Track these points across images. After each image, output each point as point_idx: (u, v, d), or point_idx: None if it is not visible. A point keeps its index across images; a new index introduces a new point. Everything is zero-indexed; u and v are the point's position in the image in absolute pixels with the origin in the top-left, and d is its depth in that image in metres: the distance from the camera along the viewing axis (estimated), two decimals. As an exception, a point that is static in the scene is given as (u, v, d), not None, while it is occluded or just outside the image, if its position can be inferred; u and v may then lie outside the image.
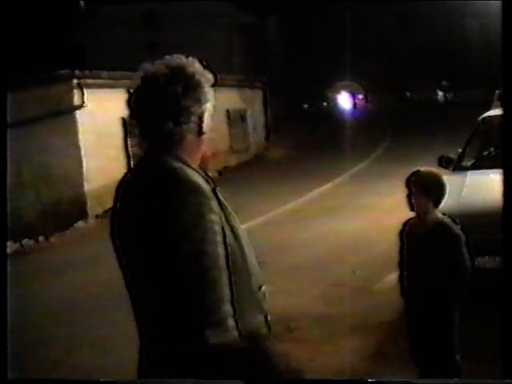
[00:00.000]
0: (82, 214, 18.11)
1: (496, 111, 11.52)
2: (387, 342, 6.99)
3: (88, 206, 18.10)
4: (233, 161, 27.09)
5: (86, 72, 19.33)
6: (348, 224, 12.98)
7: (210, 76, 2.74)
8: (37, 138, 17.94)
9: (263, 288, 2.71)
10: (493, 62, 38.29)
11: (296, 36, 48.42)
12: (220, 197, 2.59)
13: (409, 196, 5.35)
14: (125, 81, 20.42)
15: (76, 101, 18.50)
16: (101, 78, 19.49)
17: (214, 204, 2.51)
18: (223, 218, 2.54)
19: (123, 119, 20.17)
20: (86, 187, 18.15)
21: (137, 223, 2.50)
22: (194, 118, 2.65)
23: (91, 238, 15.07)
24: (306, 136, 34.02)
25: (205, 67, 2.74)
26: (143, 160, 2.68)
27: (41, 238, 16.08)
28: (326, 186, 19.16)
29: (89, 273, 11.31)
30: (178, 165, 2.56)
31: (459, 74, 51.64)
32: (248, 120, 29.74)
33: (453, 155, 9.60)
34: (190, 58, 2.73)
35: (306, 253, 11.31)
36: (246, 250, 2.63)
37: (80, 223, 17.61)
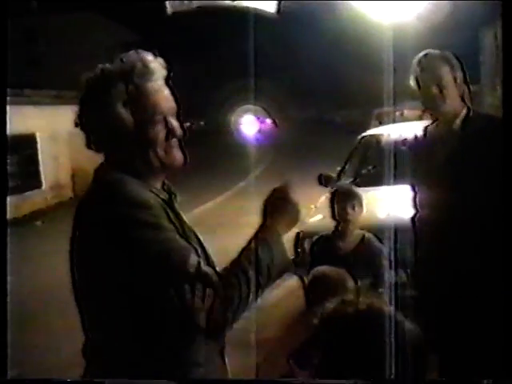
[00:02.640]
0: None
1: (374, 130, 11.85)
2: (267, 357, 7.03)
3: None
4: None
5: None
6: (230, 242, 13.00)
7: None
8: None
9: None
10: (371, 83, 39.24)
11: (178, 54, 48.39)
12: (177, 209, 2.47)
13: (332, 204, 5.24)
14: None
15: None
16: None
17: (163, 221, 2.34)
18: (179, 232, 2.38)
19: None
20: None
21: (82, 244, 2.37)
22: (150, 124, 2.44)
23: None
24: (188, 154, 33.96)
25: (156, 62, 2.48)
26: (95, 174, 2.48)
27: None
28: (208, 205, 19.16)
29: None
30: (118, 177, 2.37)
31: (338, 95, 52.63)
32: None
33: (332, 173, 9.75)
34: (143, 53, 2.49)
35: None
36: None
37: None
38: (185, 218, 2.56)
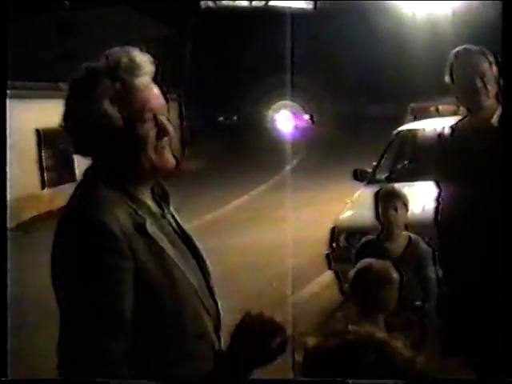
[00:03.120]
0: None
1: (410, 125, 11.77)
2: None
3: None
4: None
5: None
6: (265, 236, 13.02)
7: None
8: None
9: (210, 333, 2.36)
10: (406, 76, 39.10)
11: (217, 50, 48.52)
12: (150, 231, 2.22)
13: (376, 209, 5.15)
14: (39, 91, 20.22)
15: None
16: (15, 88, 19.17)
17: (123, 246, 2.13)
18: (143, 259, 2.16)
19: (37, 130, 19.90)
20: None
21: (52, 260, 2.24)
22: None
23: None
24: (222, 149, 34.02)
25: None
26: (80, 181, 2.40)
27: None
28: (243, 198, 19.18)
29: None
30: (96, 194, 2.23)
31: (373, 89, 52.28)
32: (164, 133, 29.66)
33: (367, 168, 9.72)
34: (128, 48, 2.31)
35: (223, 265, 11.28)
36: (186, 291, 2.27)
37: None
38: (176, 226, 2.42)
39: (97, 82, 2.23)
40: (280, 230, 13.51)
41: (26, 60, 32.16)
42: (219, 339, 2.40)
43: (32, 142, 19.81)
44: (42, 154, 20.13)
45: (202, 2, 27.77)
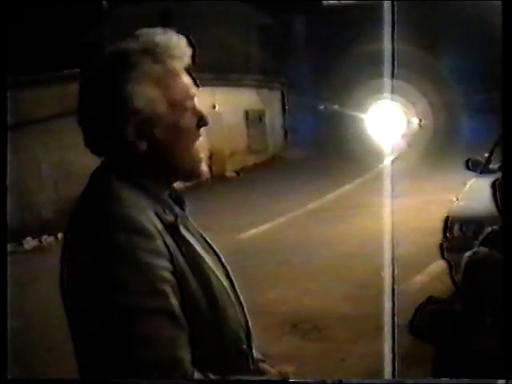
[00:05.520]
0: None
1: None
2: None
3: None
4: (251, 161, 27.03)
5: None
6: (370, 224, 12.94)
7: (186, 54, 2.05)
8: (56, 135, 17.94)
9: (246, 348, 2.10)
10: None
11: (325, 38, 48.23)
12: (182, 231, 2.00)
13: None
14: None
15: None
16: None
17: (159, 244, 1.88)
18: (180, 260, 1.93)
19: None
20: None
21: (69, 265, 1.94)
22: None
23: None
24: (324, 136, 33.90)
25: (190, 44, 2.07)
26: (90, 181, 2.05)
27: (60, 235, 16.05)
28: (347, 187, 19.08)
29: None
30: (118, 192, 1.94)
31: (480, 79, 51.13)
32: (266, 120, 29.73)
33: (480, 158, 9.56)
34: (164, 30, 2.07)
35: (330, 253, 11.28)
36: (220, 298, 2.01)
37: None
38: (193, 241, 2.05)
39: (134, 64, 1.95)
40: (383, 219, 13.40)
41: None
42: (251, 349, 2.14)
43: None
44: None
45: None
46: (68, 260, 1.94)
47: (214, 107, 24.30)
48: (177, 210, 2.08)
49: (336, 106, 57.01)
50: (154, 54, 1.97)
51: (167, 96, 1.97)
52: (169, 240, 1.92)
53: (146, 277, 1.82)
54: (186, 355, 1.85)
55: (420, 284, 8.99)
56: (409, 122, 37.53)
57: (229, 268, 2.18)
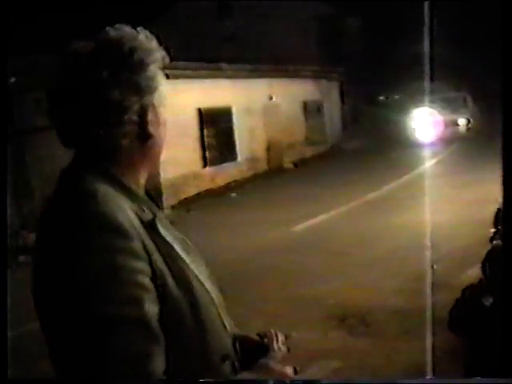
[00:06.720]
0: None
1: None
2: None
3: (164, 196, 18.18)
4: (309, 152, 27.00)
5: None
6: (424, 216, 12.78)
7: (159, 54, 1.93)
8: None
9: (231, 353, 1.99)
10: None
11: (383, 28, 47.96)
12: (161, 231, 1.86)
13: None
14: (200, 71, 20.63)
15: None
16: (178, 68, 19.60)
17: (136, 245, 1.74)
18: (158, 262, 1.79)
19: (199, 110, 20.29)
20: (162, 178, 18.21)
21: (39, 267, 1.78)
22: (129, 117, 1.85)
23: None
24: (383, 127, 33.66)
25: (159, 43, 1.94)
26: (60, 178, 1.89)
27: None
28: (405, 178, 18.90)
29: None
30: (93, 188, 1.79)
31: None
32: (324, 111, 29.60)
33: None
34: (137, 29, 1.92)
35: (386, 245, 11.20)
36: (203, 302, 1.89)
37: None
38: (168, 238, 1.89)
39: (80, 71, 1.82)
40: (440, 211, 13.22)
41: (187, 42, 32.95)
42: (237, 353, 2.02)
43: (194, 120, 20.22)
44: (204, 133, 20.50)
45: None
46: (37, 262, 1.80)
47: (271, 98, 24.31)
48: (154, 208, 1.97)
49: (397, 97, 56.66)
50: (148, 56, 1.89)
51: (134, 106, 1.88)
52: (147, 241, 1.79)
53: (119, 281, 1.68)
54: (158, 368, 1.70)
55: (475, 278, 8.80)
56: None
57: (209, 269, 2.05)
